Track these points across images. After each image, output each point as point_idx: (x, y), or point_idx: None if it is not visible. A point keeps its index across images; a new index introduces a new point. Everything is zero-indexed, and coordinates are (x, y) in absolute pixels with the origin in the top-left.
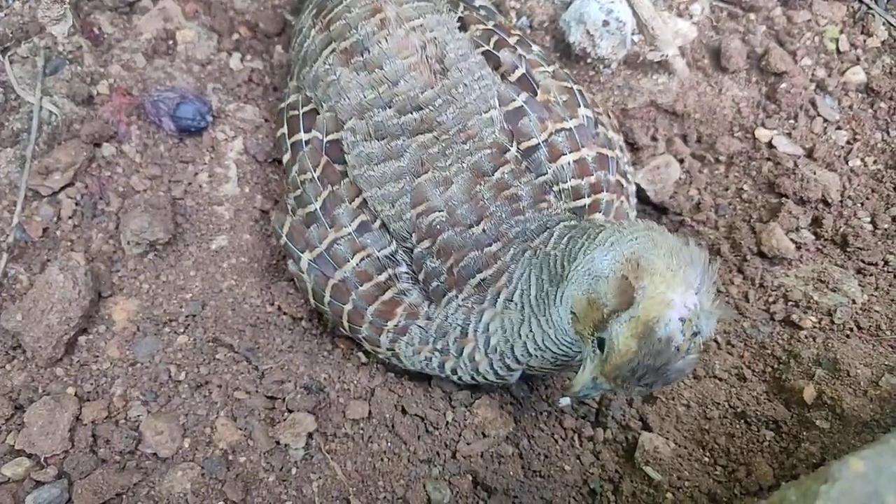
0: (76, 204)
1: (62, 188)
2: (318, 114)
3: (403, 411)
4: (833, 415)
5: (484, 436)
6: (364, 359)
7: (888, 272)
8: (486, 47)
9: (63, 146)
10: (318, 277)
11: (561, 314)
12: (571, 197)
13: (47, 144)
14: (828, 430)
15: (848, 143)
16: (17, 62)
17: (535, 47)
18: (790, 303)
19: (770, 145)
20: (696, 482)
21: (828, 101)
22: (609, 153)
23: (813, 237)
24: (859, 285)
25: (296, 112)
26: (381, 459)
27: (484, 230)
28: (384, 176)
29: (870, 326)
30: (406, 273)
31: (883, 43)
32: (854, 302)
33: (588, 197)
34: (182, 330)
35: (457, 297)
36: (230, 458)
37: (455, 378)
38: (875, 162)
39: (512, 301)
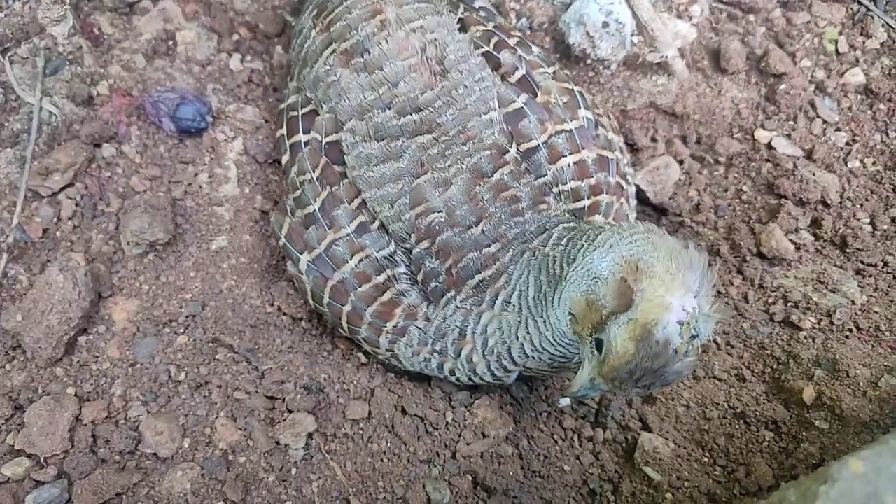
0: (76, 204)
1: (62, 189)
2: (318, 115)
3: (403, 412)
4: (832, 415)
5: (484, 436)
6: (364, 359)
7: (887, 273)
8: (487, 48)
9: (63, 147)
10: (317, 279)
11: (559, 316)
12: (571, 198)
13: (47, 145)
14: (827, 431)
15: (847, 144)
16: (18, 63)
17: (534, 48)
18: (789, 304)
19: (769, 146)
20: (695, 482)
21: (827, 102)
22: (609, 155)
23: (812, 238)
24: (858, 286)
25: (295, 113)
26: (381, 460)
27: (483, 231)
28: (383, 177)
29: (869, 327)
30: (405, 274)
31: (882, 44)
32: (853, 303)
33: (588, 199)
34: (182, 330)
35: (455, 297)
36: (230, 458)
37: (453, 379)
38: (874, 163)
39: (510, 303)
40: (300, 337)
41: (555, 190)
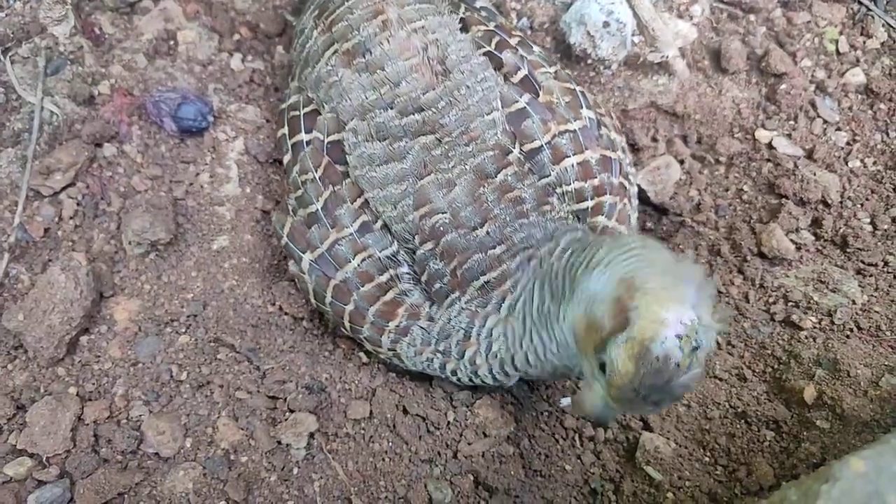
0: (77, 204)
1: (63, 188)
2: (320, 114)
3: (405, 411)
4: (833, 415)
5: (485, 436)
6: (365, 359)
7: (888, 273)
8: (488, 48)
9: (64, 146)
10: (320, 278)
11: (565, 331)
12: (575, 199)
13: (48, 144)
14: (828, 430)
15: (848, 144)
16: (19, 62)
17: (536, 48)
18: (790, 303)
19: (770, 146)
20: (696, 482)
21: (827, 102)
22: (612, 155)
23: (813, 238)
24: (859, 286)
25: (297, 113)
26: (383, 459)
27: (488, 233)
28: (386, 177)
29: (870, 327)
30: (407, 273)
31: (882, 44)
32: (854, 302)
33: (591, 199)
34: (184, 330)
35: (460, 299)
36: (232, 457)
37: (454, 379)
38: (875, 163)
39: (515, 308)
40: (302, 336)
41: (558, 191)
